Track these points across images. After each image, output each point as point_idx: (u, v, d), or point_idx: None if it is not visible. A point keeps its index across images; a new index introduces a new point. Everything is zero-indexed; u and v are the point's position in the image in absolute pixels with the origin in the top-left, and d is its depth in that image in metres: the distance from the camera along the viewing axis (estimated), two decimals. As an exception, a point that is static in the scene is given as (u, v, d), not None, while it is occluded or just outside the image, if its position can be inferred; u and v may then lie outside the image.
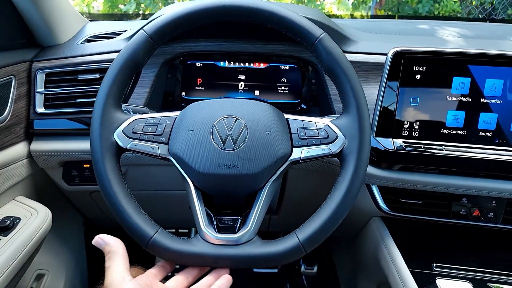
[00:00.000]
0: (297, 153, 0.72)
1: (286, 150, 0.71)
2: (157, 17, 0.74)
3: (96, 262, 1.46)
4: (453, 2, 4.94)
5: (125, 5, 4.96)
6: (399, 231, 1.00)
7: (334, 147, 0.71)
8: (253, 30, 1.01)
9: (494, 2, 4.56)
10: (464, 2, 5.06)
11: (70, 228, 1.33)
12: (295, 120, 0.75)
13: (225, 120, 0.71)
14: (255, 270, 1.78)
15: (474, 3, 4.99)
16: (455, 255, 0.94)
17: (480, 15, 4.63)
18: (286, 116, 0.75)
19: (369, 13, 5.67)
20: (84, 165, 1.05)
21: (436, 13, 4.87)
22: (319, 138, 0.72)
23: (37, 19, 0.98)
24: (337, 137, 0.72)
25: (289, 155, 0.72)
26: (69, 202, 1.23)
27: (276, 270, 1.78)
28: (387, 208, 0.97)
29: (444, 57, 0.89)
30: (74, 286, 1.29)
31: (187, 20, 0.73)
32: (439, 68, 0.89)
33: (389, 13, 5.40)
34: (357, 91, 0.72)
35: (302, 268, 1.69)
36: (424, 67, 0.89)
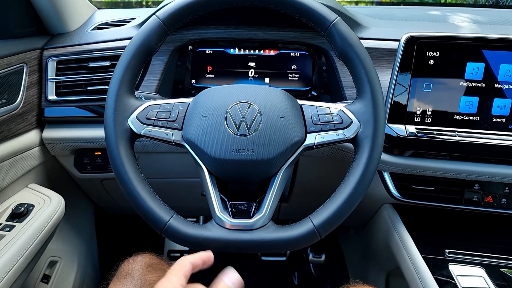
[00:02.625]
0: (311, 139, 0.72)
1: (300, 136, 0.71)
2: (170, 2, 0.74)
3: (106, 249, 1.48)
4: (459, -11, 4.86)
5: (127, -7, 4.91)
6: (410, 218, 1.00)
7: (349, 133, 0.71)
8: (264, 17, 1.00)
9: (501, -11, 4.47)
10: (472, -11, 4.98)
11: (81, 216, 1.34)
12: (309, 105, 0.74)
13: (238, 106, 0.71)
14: (263, 258, 1.79)
15: (480, -10, 4.90)
16: (467, 241, 0.94)
17: (487, 3, 4.56)
18: (300, 101, 0.75)
19: (375, 0, 5.61)
20: (96, 153, 1.05)
21: (442, 1, 4.81)
22: (333, 124, 0.72)
23: (48, 7, 0.97)
24: (351, 122, 0.71)
25: (303, 140, 0.72)
26: (80, 189, 1.23)
27: (284, 258, 1.79)
28: (399, 195, 0.97)
29: (458, 42, 0.88)
30: (86, 272, 1.31)
31: (202, 5, 0.72)
32: (452, 53, 0.88)
33: (394, 1, 5.34)
34: (372, 76, 0.71)
35: (310, 256, 1.70)
36: (438, 53, 0.88)
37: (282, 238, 0.68)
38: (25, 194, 0.96)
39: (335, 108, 0.73)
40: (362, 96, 0.72)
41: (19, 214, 0.87)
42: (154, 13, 0.74)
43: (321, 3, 0.73)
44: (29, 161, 0.97)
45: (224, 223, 0.68)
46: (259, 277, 1.73)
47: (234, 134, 0.69)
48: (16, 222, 0.86)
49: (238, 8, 0.75)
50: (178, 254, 1.71)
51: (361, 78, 0.71)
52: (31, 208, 0.90)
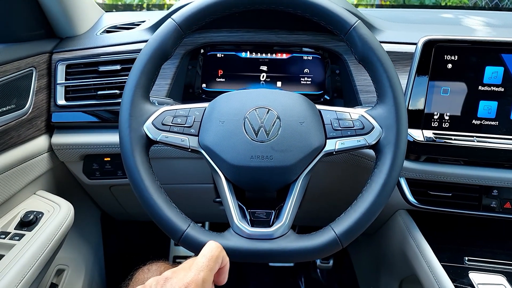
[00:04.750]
0: (331, 145, 0.70)
1: (320, 142, 0.69)
2: (185, 5, 0.72)
3: (113, 257, 1.45)
4: (459, -8, 4.87)
5: (129, -4, 4.89)
6: (426, 224, 0.98)
7: (370, 139, 0.69)
8: (276, 20, 0.99)
9: (501, -8, 4.49)
10: (471, -9, 5.00)
11: (89, 223, 1.31)
12: (328, 110, 0.72)
13: (257, 111, 0.69)
14: (270, 263, 1.77)
15: (480, -7, 4.92)
16: (486, 249, 0.92)
17: (486, 6, 4.56)
18: (318, 106, 0.73)
19: (374, 3, 5.62)
20: (105, 159, 1.03)
21: (443, 3, 4.82)
22: (354, 129, 0.70)
23: (57, 10, 0.95)
24: (373, 128, 0.70)
25: (323, 146, 0.70)
26: (88, 196, 1.21)
27: (291, 264, 1.77)
28: (416, 201, 0.95)
29: (476, 46, 0.86)
30: (93, 281, 1.28)
31: (219, 7, 0.70)
32: (471, 57, 0.87)
33: (394, 4, 5.34)
34: (394, 80, 0.69)
35: (318, 261, 1.68)
36: (456, 56, 0.87)
37: (303, 248, 0.66)
38: (33, 201, 0.94)
39: (355, 113, 0.72)
40: (384, 101, 0.70)
41: (28, 222, 0.85)
42: (168, 16, 0.72)
43: (341, 6, 0.72)
44: (38, 168, 0.95)
45: (243, 232, 0.66)
46: (266, 282, 1.71)
47: (253, 140, 0.67)
48: (25, 230, 0.84)
49: (251, 10, 0.73)
50: (184, 260, 1.69)
51: (383, 83, 0.70)
52: (40, 216, 0.88)
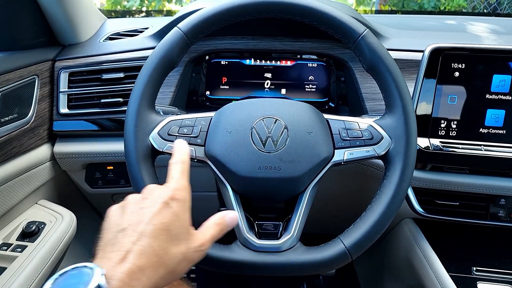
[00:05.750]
0: (340, 155, 0.69)
1: (328, 152, 0.68)
2: (190, 13, 0.71)
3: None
4: (458, -3, 4.90)
5: (128, 1, 4.90)
6: (432, 233, 0.97)
7: (379, 149, 0.69)
8: (281, 27, 0.98)
9: (500, -4, 4.52)
10: (469, -3, 5.03)
11: (90, 232, 1.29)
12: (336, 120, 0.72)
13: (264, 121, 0.68)
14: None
15: (478, -2, 4.96)
16: (494, 258, 0.91)
17: (485, 10, 4.60)
18: (326, 116, 0.72)
19: (373, 8, 5.62)
20: (108, 167, 1.02)
21: (442, 8, 4.83)
22: (363, 139, 0.69)
23: (60, 17, 0.95)
24: (382, 138, 0.69)
25: (331, 157, 0.69)
26: (90, 205, 1.20)
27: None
28: (422, 210, 0.94)
29: (484, 54, 0.85)
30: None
31: (226, 16, 0.69)
32: (478, 65, 0.86)
33: (393, 9, 5.36)
34: (403, 89, 0.69)
35: (320, 269, 1.66)
36: (463, 65, 0.86)
37: (312, 261, 0.65)
38: (35, 211, 0.92)
39: (364, 123, 0.71)
40: (393, 110, 0.69)
41: (31, 233, 0.84)
42: (174, 24, 0.71)
43: (349, 15, 0.71)
44: (40, 177, 0.93)
45: (251, 245, 0.65)
46: (268, 289, 1.69)
47: (260, 150, 0.66)
48: (27, 241, 0.82)
49: (256, 18, 0.72)
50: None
51: (392, 92, 0.69)
52: (42, 226, 0.86)
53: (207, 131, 0.70)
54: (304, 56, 1.02)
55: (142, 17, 1.77)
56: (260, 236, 0.68)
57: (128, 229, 0.49)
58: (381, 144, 0.69)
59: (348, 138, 0.70)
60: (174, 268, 0.50)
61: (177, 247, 0.51)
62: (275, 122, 0.68)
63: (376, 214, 0.66)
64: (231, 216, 0.61)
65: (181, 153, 0.61)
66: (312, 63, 1.03)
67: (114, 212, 0.53)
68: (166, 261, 0.49)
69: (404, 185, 0.67)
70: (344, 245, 0.65)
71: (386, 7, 5.47)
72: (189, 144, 0.69)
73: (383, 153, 0.69)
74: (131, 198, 0.54)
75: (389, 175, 0.68)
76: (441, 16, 1.32)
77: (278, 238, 0.67)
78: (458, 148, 0.87)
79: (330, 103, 1.04)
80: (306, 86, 1.04)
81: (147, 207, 0.51)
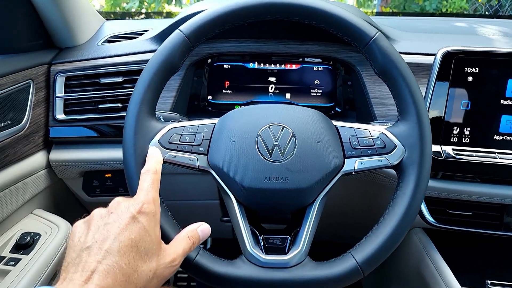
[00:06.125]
0: (350, 164, 0.66)
1: (338, 161, 0.65)
2: (192, 15, 0.67)
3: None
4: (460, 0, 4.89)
5: (127, 3, 4.87)
6: (443, 244, 0.93)
7: (392, 158, 0.65)
8: (286, 29, 0.94)
9: (501, -1, 4.52)
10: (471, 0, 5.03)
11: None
12: (346, 127, 0.68)
13: (270, 128, 0.65)
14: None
15: (480, 0, 4.96)
16: (509, 271, 0.87)
17: (486, 12, 4.59)
18: (335, 123, 0.68)
19: (374, 10, 5.60)
20: (106, 175, 0.98)
21: (443, 10, 4.81)
22: (375, 148, 0.66)
23: (56, 19, 0.91)
24: (395, 147, 0.65)
25: (341, 166, 0.65)
26: (87, 214, 1.16)
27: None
28: (434, 220, 0.90)
29: (498, 58, 0.82)
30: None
31: (230, 18, 0.66)
32: (492, 69, 0.82)
33: (394, 11, 5.34)
34: (417, 95, 0.65)
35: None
36: (477, 69, 0.82)
37: (322, 277, 0.61)
38: (30, 222, 0.88)
39: (375, 130, 0.67)
40: (406, 118, 0.66)
41: (25, 245, 0.80)
42: (175, 27, 0.67)
43: (359, 17, 0.67)
44: (35, 185, 0.90)
45: (257, 260, 0.62)
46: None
47: (267, 160, 0.63)
48: (21, 254, 0.78)
49: (261, 20, 0.68)
50: (185, 277, 1.63)
51: (405, 98, 0.65)
52: (37, 237, 0.83)
53: (210, 139, 0.66)
54: (309, 60, 0.99)
55: (142, 19, 1.74)
56: (266, 250, 0.64)
57: (93, 247, 0.46)
58: (394, 153, 0.65)
59: (359, 147, 0.66)
60: (144, 287, 0.47)
61: (147, 264, 0.48)
62: (282, 130, 0.65)
63: (389, 228, 0.62)
64: (203, 228, 0.59)
65: (153, 162, 0.59)
66: (318, 67, 0.99)
67: (78, 229, 0.50)
68: (135, 280, 0.46)
69: (418, 196, 0.63)
70: (356, 260, 0.61)
71: (387, 9, 5.45)
72: (192, 152, 0.65)
73: (396, 162, 0.65)
74: (97, 212, 0.51)
75: (403, 186, 0.64)
76: (447, 18, 1.29)
77: (285, 253, 0.63)
78: (472, 155, 0.84)
79: (337, 108, 1.01)
80: (311, 91, 1.01)
81: (113, 222, 0.48)
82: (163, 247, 0.52)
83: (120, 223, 0.48)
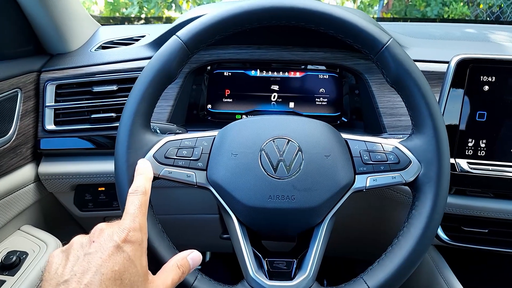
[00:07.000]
0: (362, 181, 0.61)
1: (348, 178, 0.60)
2: (191, 20, 0.63)
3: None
4: (462, 6, 4.87)
5: (127, 8, 4.84)
6: (457, 261, 0.88)
7: (407, 175, 0.60)
8: (290, 35, 0.89)
9: (502, 5, 4.51)
10: (472, 6, 5.01)
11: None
12: (356, 140, 0.63)
13: (275, 142, 0.60)
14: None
15: (481, 6, 4.95)
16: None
17: (488, 18, 4.58)
18: (344, 136, 0.63)
19: (375, 16, 5.58)
20: (99, 189, 0.93)
21: (445, 16, 4.79)
22: (388, 164, 0.61)
23: (46, 24, 0.86)
24: (410, 162, 0.60)
25: (351, 183, 0.60)
26: (79, 229, 1.10)
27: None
28: (447, 238, 0.85)
29: (516, 66, 0.77)
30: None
31: (231, 24, 0.61)
32: (510, 78, 0.77)
33: (396, 16, 5.32)
34: (433, 107, 0.60)
35: (327, 290, 1.57)
36: (493, 78, 0.78)
37: None
38: (17, 239, 0.83)
39: (388, 144, 0.62)
40: (422, 131, 0.61)
41: (10, 265, 0.75)
42: (172, 32, 0.62)
43: (370, 23, 0.62)
44: (23, 200, 0.84)
45: (260, 286, 0.56)
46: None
47: (271, 176, 0.58)
48: (6, 275, 0.73)
49: (263, 26, 0.63)
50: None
51: (421, 110, 0.60)
52: (24, 256, 0.77)
53: (209, 154, 0.61)
54: (313, 67, 0.94)
55: (141, 24, 1.69)
56: (270, 275, 0.59)
57: (71, 281, 0.40)
58: (409, 169, 0.60)
59: (371, 162, 0.61)
60: None
61: None
62: (287, 144, 0.60)
63: (405, 251, 0.57)
64: (193, 256, 0.53)
65: (141, 180, 0.54)
66: (323, 74, 0.95)
67: (55, 259, 0.44)
68: None
69: (436, 217, 0.58)
70: (368, 286, 0.56)
71: (388, 15, 5.42)
72: (189, 168, 0.60)
73: (411, 179, 0.60)
74: (76, 240, 0.46)
75: (419, 205, 0.59)
76: (460, 24, 1.24)
77: (291, 278, 0.58)
78: (488, 170, 0.79)
79: (343, 118, 0.96)
80: (316, 99, 0.96)
81: (95, 252, 0.43)
82: (150, 278, 0.47)
83: (103, 253, 0.43)
